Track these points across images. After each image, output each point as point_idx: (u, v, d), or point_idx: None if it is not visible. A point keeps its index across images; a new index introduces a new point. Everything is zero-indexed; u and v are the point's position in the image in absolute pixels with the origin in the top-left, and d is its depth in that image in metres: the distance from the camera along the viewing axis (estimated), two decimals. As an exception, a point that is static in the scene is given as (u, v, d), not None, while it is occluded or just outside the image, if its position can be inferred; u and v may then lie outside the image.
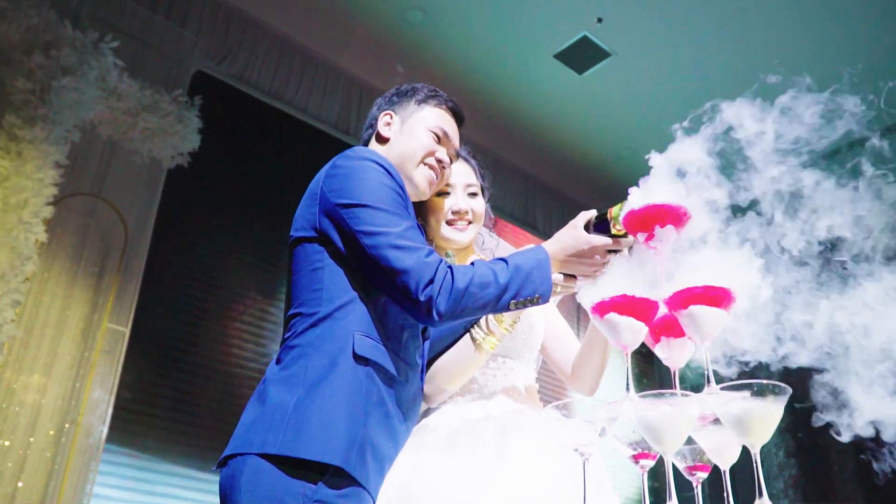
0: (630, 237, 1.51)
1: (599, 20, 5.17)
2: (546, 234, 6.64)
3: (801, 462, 6.03)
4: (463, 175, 1.91)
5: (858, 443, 1.19)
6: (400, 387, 1.52)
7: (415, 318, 1.49)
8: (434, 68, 5.59)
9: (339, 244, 1.52)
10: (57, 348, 3.90)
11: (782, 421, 1.16)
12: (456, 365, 1.73)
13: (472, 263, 1.47)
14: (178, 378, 4.40)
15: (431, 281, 1.42)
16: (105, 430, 3.97)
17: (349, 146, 5.75)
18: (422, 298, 1.41)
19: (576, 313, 5.66)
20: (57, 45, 3.95)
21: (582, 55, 5.48)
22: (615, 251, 1.52)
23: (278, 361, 1.51)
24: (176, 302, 4.54)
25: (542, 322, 1.93)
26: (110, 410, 4.01)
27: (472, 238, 1.90)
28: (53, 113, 3.85)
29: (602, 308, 1.30)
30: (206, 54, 4.98)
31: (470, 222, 1.88)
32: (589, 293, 1.30)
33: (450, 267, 1.45)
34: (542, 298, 1.48)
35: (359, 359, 1.45)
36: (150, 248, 4.40)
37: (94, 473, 3.87)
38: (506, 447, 1.59)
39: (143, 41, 4.61)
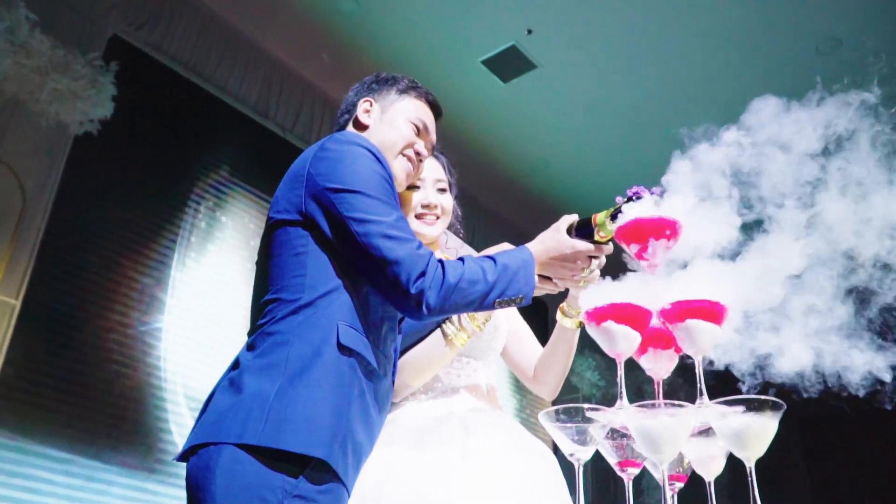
0: (611, 245, 1.54)
1: (529, 32, 5.25)
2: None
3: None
4: (433, 170, 1.92)
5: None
6: (378, 380, 1.48)
7: (401, 310, 1.46)
8: (361, 60, 5.51)
9: (326, 229, 1.46)
10: (-63, 317, 3.59)
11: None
12: (424, 360, 1.72)
13: (461, 259, 1.45)
14: (68, 356, 4.11)
15: (423, 273, 1.39)
16: (-15, 410, 3.68)
17: (266, 130, 5.53)
18: (412, 291, 1.38)
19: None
20: (-36, -10, 3.64)
21: (509, 64, 5.55)
22: (595, 257, 1.55)
23: (251, 348, 1.43)
24: (72, 276, 4.24)
25: (506, 325, 1.94)
26: (-8, 388, 3.72)
27: (440, 232, 1.91)
28: (-45, 63, 3.55)
29: (598, 315, 1.30)
30: (123, 18, 4.71)
31: (438, 217, 1.90)
32: (592, 299, 1.30)
33: (440, 261, 1.43)
34: (525, 299, 1.48)
35: (343, 349, 1.39)
36: (48, 218, 4.12)
37: (-32, 456, 3.58)
38: (470, 445, 1.59)
39: (59, -4, 4.31)
